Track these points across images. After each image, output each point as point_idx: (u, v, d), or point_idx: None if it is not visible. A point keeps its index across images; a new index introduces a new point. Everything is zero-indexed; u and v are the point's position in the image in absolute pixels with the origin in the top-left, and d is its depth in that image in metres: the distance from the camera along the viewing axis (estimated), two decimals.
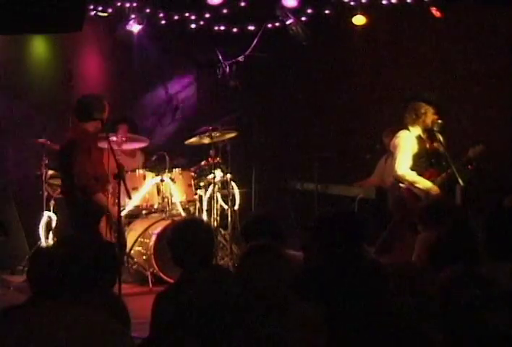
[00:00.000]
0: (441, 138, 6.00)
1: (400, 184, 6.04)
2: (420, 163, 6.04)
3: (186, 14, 8.25)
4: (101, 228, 5.65)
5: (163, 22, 8.24)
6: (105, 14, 7.85)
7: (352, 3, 7.75)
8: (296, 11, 7.98)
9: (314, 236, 3.42)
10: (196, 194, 7.22)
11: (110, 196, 5.97)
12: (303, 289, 2.84)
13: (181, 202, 7.04)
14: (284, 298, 2.72)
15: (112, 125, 7.50)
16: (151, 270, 6.51)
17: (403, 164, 5.98)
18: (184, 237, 3.33)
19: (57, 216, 6.98)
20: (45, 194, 6.98)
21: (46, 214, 6.99)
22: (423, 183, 5.97)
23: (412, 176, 5.98)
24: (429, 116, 6.03)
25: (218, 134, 7.09)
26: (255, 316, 2.68)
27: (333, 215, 3.53)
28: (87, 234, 5.56)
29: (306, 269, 3.15)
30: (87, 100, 5.77)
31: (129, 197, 6.14)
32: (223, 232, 7.36)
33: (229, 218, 7.33)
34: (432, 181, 6.00)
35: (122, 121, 7.59)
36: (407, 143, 6.02)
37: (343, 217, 3.50)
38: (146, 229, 6.72)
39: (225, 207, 7.35)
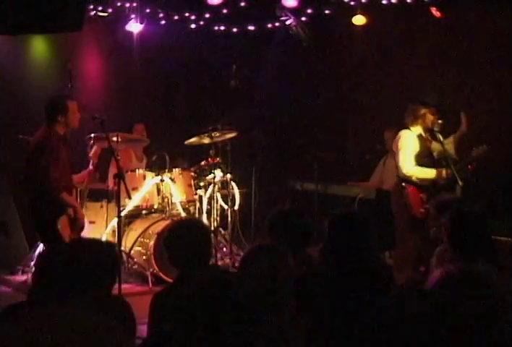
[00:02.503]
0: (441, 138, 6.02)
1: (403, 184, 6.05)
2: (424, 162, 6.06)
3: (186, 14, 8.26)
4: (62, 229, 5.55)
5: (163, 22, 8.25)
6: (105, 14, 7.86)
7: (352, 3, 7.77)
8: (296, 11, 7.99)
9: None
10: (196, 194, 7.22)
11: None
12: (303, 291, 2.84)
13: (181, 202, 7.04)
14: (282, 300, 2.72)
15: (129, 125, 7.52)
16: (151, 270, 6.51)
17: (407, 163, 5.99)
18: (180, 237, 3.32)
19: None
20: None
21: None
22: (429, 173, 5.99)
23: (418, 172, 6.00)
24: (429, 117, 6.04)
25: (218, 134, 7.09)
26: (254, 316, 2.68)
27: (337, 216, 3.49)
28: (46, 234, 5.53)
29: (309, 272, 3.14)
30: (50, 102, 5.70)
31: (129, 197, 6.13)
32: (223, 232, 7.36)
33: (229, 218, 7.34)
34: (436, 181, 6.02)
35: (139, 120, 7.60)
36: (409, 142, 6.04)
37: (347, 218, 3.46)
38: (146, 229, 6.72)
39: (226, 207, 7.36)
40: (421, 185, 5.99)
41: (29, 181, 5.58)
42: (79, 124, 5.72)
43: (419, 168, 6.00)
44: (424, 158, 6.07)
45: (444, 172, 5.97)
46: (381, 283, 3.20)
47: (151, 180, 6.92)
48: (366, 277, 3.17)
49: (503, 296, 2.23)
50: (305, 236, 3.75)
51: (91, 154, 6.10)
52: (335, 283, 3.13)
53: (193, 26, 8.38)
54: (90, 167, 6.07)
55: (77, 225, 5.63)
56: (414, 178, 6.01)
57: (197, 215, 7.15)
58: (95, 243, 2.62)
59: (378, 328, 2.79)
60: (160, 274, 6.44)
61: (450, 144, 6.21)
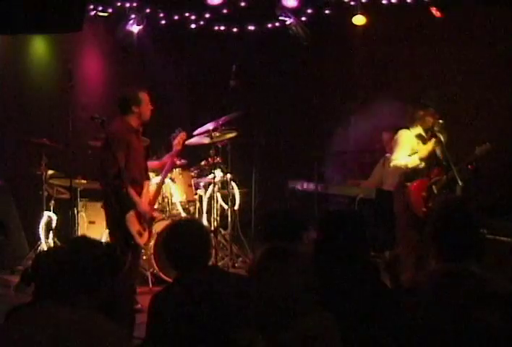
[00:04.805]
0: (442, 138, 6.02)
1: (405, 183, 6.07)
2: (423, 161, 6.07)
3: (186, 14, 8.26)
4: (130, 224, 5.58)
5: (163, 22, 8.25)
6: (105, 14, 7.87)
7: (352, 3, 7.76)
8: (296, 11, 7.99)
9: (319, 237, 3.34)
10: (196, 194, 7.22)
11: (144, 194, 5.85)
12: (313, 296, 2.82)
13: (181, 202, 7.04)
14: (300, 304, 2.70)
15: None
16: (151, 270, 6.51)
17: (398, 159, 6.04)
18: (178, 238, 3.30)
19: (57, 216, 6.98)
20: (45, 194, 6.98)
21: (46, 214, 6.98)
22: (417, 156, 6.01)
23: (408, 161, 6.03)
24: (428, 118, 6.06)
25: (218, 134, 7.09)
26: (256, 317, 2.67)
27: (338, 216, 3.45)
28: (116, 229, 5.56)
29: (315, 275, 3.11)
30: (123, 94, 5.78)
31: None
32: (223, 232, 7.36)
33: (229, 218, 7.34)
34: (437, 181, 6.03)
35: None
36: (405, 140, 6.08)
37: (348, 217, 3.43)
38: None
39: (226, 207, 7.36)
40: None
41: (101, 174, 5.59)
42: (150, 116, 5.75)
43: (409, 158, 6.04)
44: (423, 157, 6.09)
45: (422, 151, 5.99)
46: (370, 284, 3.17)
47: (151, 180, 6.91)
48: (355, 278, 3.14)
49: (498, 293, 2.23)
50: (293, 234, 3.76)
51: (175, 142, 6.18)
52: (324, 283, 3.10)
53: (193, 26, 8.38)
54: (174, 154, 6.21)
55: (145, 218, 5.66)
56: (407, 167, 6.04)
57: (197, 215, 7.16)
58: (95, 243, 2.61)
59: (375, 329, 2.79)
60: (160, 274, 6.43)
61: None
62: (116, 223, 5.55)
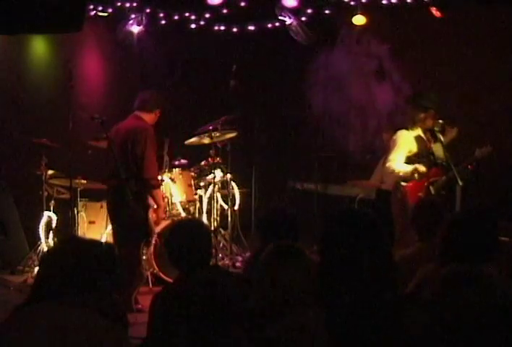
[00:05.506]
0: (442, 138, 6.02)
1: (402, 183, 6.06)
2: (421, 162, 6.07)
3: (186, 14, 8.26)
4: (152, 219, 5.67)
5: (163, 22, 8.25)
6: (105, 14, 7.87)
7: (352, 3, 7.77)
8: (296, 11, 8.00)
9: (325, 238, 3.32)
10: (196, 194, 7.22)
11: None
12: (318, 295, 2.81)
13: (181, 202, 7.03)
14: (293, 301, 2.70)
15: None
16: (151, 270, 6.51)
17: (395, 160, 6.03)
18: (181, 238, 3.32)
19: (57, 216, 6.99)
20: (45, 194, 6.98)
21: (46, 214, 6.98)
22: (406, 168, 5.99)
23: (399, 168, 6.02)
24: (429, 119, 6.05)
25: (218, 134, 7.09)
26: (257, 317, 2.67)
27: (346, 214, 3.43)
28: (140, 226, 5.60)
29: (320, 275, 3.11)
30: (154, 94, 5.89)
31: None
32: (223, 232, 7.37)
33: (229, 218, 7.34)
34: (435, 181, 6.02)
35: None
36: (403, 141, 6.07)
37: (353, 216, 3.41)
38: None
39: (226, 207, 7.36)
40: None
41: (131, 170, 5.57)
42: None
43: (401, 165, 6.02)
44: (421, 158, 6.08)
45: (421, 167, 5.96)
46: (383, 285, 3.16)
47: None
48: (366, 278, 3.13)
49: (507, 297, 2.22)
50: (290, 233, 3.78)
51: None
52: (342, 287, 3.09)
53: (193, 26, 8.38)
54: None
55: (158, 222, 5.88)
56: (396, 174, 6.03)
57: (197, 215, 7.16)
58: (95, 243, 2.61)
59: (378, 330, 2.78)
60: (160, 274, 6.43)
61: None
62: (139, 218, 5.56)
